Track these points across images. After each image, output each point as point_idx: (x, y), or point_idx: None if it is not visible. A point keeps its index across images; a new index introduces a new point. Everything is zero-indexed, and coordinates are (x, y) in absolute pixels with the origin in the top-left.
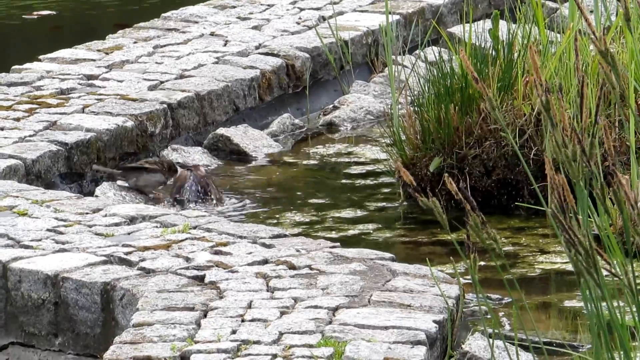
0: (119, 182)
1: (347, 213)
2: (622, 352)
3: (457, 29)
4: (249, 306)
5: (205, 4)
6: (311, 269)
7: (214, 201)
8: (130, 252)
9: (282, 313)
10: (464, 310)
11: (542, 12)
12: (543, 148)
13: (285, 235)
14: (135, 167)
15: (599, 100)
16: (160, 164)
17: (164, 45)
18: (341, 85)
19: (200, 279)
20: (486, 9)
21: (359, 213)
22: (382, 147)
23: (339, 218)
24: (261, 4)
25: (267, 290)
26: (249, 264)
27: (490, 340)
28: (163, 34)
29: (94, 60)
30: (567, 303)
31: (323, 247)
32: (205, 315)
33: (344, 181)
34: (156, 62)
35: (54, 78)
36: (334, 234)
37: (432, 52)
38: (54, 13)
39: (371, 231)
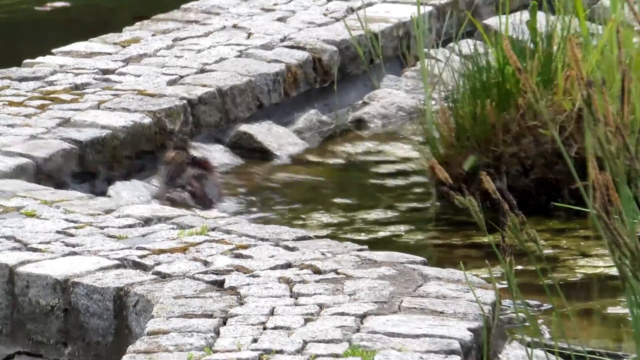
0: (135, 181)
1: (377, 214)
2: None
3: (493, 21)
4: (272, 313)
5: None
6: (337, 273)
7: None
8: (144, 256)
9: (307, 320)
10: (500, 317)
11: (582, 3)
12: (584, 146)
13: (309, 238)
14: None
15: None
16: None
17: (184, 38)
18: (371, 80)
19: (219, 284)
20: (524, 0)
21: (389, 214)
22: (414, 145)
23: (367, 219)
24: None
25: (291, 296)
26: (271, 268)
27: (529, 349)
28: (183, 26)
29: (109, 54)
30: (611, 310)
31: (350, 250)
32: (224, 323)
33: (373, 181)
34: (175, 56)
35: (67, 72)
36: (362, 236)
37: (466, 45)
38: (68, 5)
39: (402, 233)
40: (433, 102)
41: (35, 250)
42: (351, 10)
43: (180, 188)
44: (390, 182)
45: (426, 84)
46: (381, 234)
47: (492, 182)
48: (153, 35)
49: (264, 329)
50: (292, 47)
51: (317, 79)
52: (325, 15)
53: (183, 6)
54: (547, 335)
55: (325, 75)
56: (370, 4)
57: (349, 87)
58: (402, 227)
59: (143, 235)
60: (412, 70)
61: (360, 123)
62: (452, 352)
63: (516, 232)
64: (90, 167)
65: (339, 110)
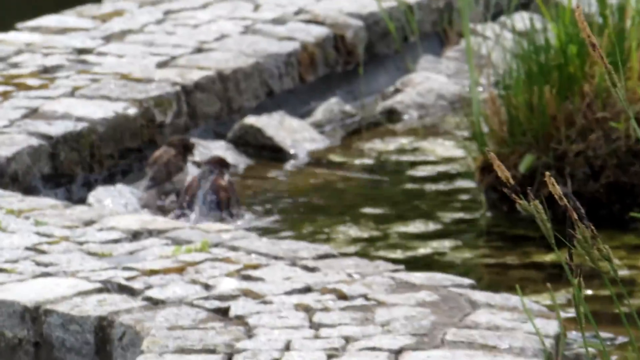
0: (120, 186)
1: (414, 227)
2: None
3: None
4: (287, 348)
5: None
6: (367, 299)
7: (228, 218)
8: (132, 277)
9: (330, 356)
10: (565, 353)
11: None
12: None
13: (333, 256)
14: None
15: None
16: (179, 149)
17: (178, 11)
18: (405, 61)
19: (223, 312)
20: None
21: (430, 227)
22: (458, 141)
23: (403, 233)
24: None
25: (310, 327)
26: (286, 293)
27: None
28: None
29: (86, 29)
30: None
31: (383, 271)
32: None
33: (409, 186)
34: (167, 32)
35: (35, 52)
36: (397, 254)
37: (521, 20)
38: None
39: (445, 250)
40: (480, 89)
41: None
42: None
43: (175, 196)
44: (430, 187)
45: (472, 67)
46: (420, 251)
47: (553, 187)
48: (140, 7)
49: None
50: (308, 21)
51: (339, 60)
52: None
53: None
54: None
55: (349, 56)
56: None
57: (378, 71)
58: (446, 243)
59: (131, 253)
60: (455, 50)
61: (392, 114)
62: None
63: (588, 247)
64: (64, 168)
65: (366, 99)
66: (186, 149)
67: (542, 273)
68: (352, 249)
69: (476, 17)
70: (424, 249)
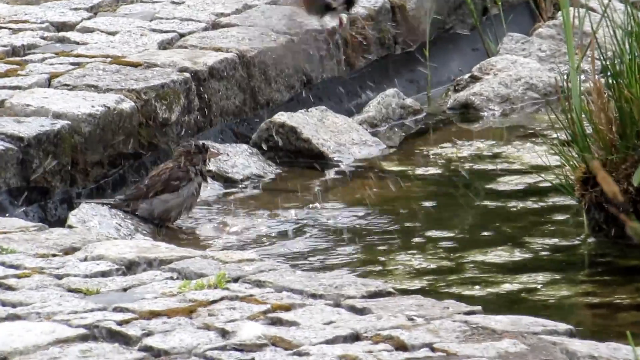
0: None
1: (497, 255)
2: None
3: None
4: None
5: None
6: (433, 349)
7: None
8: (127, 321)
9: None
10: None
11: None
12: None
13: (389, 293)
14: (147, 190)
15: None
16: (181, 159)
17: None
18: (483, 40)
19: None
20: None
21: (516, 256)
22: (553, 145)
23: (482, 264)
24: None
25: None
26: (327, 342)
27: None
28: None
29: None
30: None
31: (453, 313)
32: None
33: (489, 203)
34: (172, 2)
35: (1, 28)
36: (474, 291)
37: None
38: None
39: (536, 286)
40: (583, 78)
41: None
42: None
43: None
44: (516, 204)
45: (571, 48)
46: (504, 287)
47: None
48: None
49: None
50: None
51: (398, 39)
52: None
53: None
54: None
55: (410, 33)
56: None
57: (449, 53)
58: (537, 276)
59: (124, 289)
60: (549, 25)
61: (467, 110)
62: None
63: None
64: (38, 179)
65: (434, 90)
66: (192, 158)
67: None
68: (414, 284)
69: None
70: (508, 285)
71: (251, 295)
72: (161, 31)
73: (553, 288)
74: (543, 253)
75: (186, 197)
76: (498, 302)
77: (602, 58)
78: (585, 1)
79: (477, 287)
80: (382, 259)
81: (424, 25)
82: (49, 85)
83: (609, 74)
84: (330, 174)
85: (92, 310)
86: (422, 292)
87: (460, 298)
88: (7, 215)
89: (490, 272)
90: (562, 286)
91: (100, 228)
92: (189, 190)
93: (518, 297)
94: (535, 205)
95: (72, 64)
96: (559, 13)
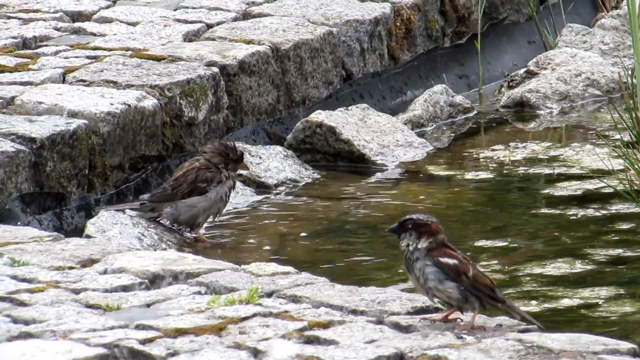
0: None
1: (555, 268)
2: None
3: None
4: None
5: None
6: None
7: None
8: (150, 340)
9: None
10: None
11: None
12: None
13: (436, 309)
14: (172, 190)
15: None
16: (216, 158)
17: None
18: (540, 32)
19: None
20: None
21: (576, 268)
22: (616, 147)
23: (539, 276)
24: None
25: None
26: None
27: None
28: None
29: None
30: None
31: (507, 330)
32: None
33: (546, 210)
34: None
35: (9, 18)
36: (530, 306)
37: None
38: None
39: (598, 301)
40: None
41: None
42: None
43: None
44: (576, 212)
45: (637, 40)
46: (563, 302)
47: None
48: None
49: None
50: None
51: (446, 30)
52: None
53: None
54: None
55: (460, 23)
56: None
57: (502, 45)
58: (600, 291)
59: (148, 305)
60: (614, 15)
61: (521, 108)
62: None
63: None
64: (52, 184)
65: (485, 86)
66: (227, 162)
67: None
68: None
69: None
70: (567, 300)
71: (286, 312)
72: (187, 21)
73: (616, 303)
74: (606, 265)
75: (214, 200)
76: (555, 319)
77: None
78: None
79: (534, 301)
80: None
81: (475, 15)
82: (64, 81)
83: None
84: (373, 179)
85: (112, 328)
86: None
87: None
88: (19, 223)
89: (547, 285)
90: (625, 301)
91: (121, 238)
92: (217, 194)
93: (577, 313)
94: (597, 213)
95: (88, 57)
96: (624, 2)
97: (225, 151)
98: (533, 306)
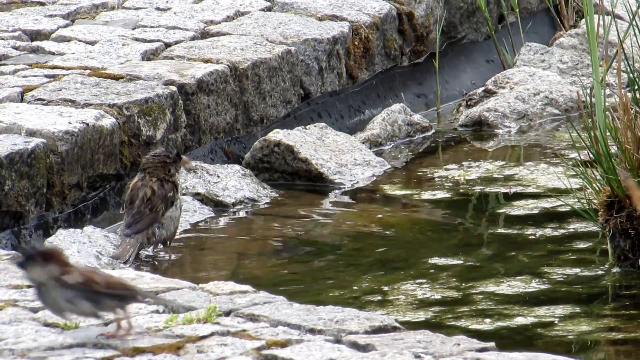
0: (91, 228)
1: (510, 286)
2: None
3: None
4: None
5: None
6: None
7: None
8: (109, 359)
9: None
10: None
11: None
12: None
13: (394, 328)
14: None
15: None
16: (159, 171)
17: None
18: (499, 51)
19: None
20: None
21: (532, 286)
22: (572, 166)
23: (494, 295)
24: None
25: None
26: None
27: None
28: None
29: (42, 3)
30: None
31: (465, 350)
32: None
33: (502, 231)
34: (158, 8)
35: None
36: (485, 325)
37: None
38: None
39: (554, 320)
40: (608, 92)
41: None
42: None
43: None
44: (532, 231)
45: (595, 60)
46: (518, 320)
47: None
48: None
49: None
50: None
51: (405, 49)
52: None
53: None
54: None
55: (419, 42)
56: None
57: (460, 64)
58: (556, 309)
59: (106, 324)
60: (572, 34)
61: (480, 127)
62: None
63: None
64: (10, 202)
65: (444, 105)
66: (169, 168)
67: None
68: (418, 315)
69: None
70: (523, 318)
71: (244, 330)
72: (145, 40)
73: (572, 322)
74: (562, 284)
75: (180, 207)
76: (510, 337)
77: (629, 70)
78: (611, 8)
79: (487, 320)
80: (385, 288)
81: (433, 34)
82: (22, 100)
83: (636, 87)
84: (331, 198)
85: (70, 347)
86: (426, 324)
87: (468, 332)
88: None
89: (502, 303)
90: (582, 320)
91: (79, 257)
92: (180, 201)
93: (533, 332)
94: (555, 232)
95: (47, 76)
96: (582, 21)
97: (161, 159)
98: (486, 324)
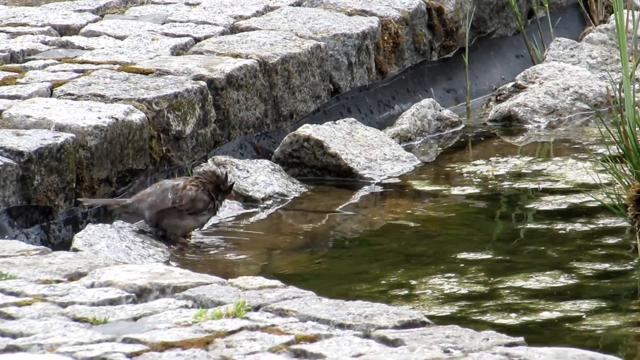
0: (120, 223)
1: (538, 281)
2: None
3: None
4: None
5: None
6: None
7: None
8: (137, 353)
9: None
10: None
11: None
12: None
13: (423, 323)
14: (172, 204)
15: None
16: (203, 179)
17: None
18: (528, 46)
19: None
20: None
21: (560, 281)
22: (602, 162)
23: (521, 290)
24: None
25: None
26: None
27: None
28: None
29: None
30: None
31: (493, 345)
32: None
33: (531, 226)
34: (187, 3)
35: None
36: (511, 320)
37: None
38: None
39: (582, 314)
40: (637, 87)
41: None
42: None
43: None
44: (560, 226)
45: (625, 55)
46: (544, 315)
47: None
48: None
49: None
50: None
51: (434, 44)
52: None
53: None
54: None
55: (448, 38)
56: None
57: (490, 59)
58: (583, 304)
59: (135, 319)
60: (601, 29)
61: (509, 122)
62: None
63: None
64: (39, 197)
65: (473, 100)
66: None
67: None
68: (447, 310)
69: None
70: (549, 313)
71: (273, 325)
72: (174, 35)
73: (600, 317)
74: (590, 279)
75: (200, 223)
76: (539, 333)
77: None
78: None
79: (513, 314)
80: (413, 282)
81: (463, 29)
82: (51, 95)
83: None
84: (360, 193)
85: (99, 342)
86: (451, 319)
87: (494, 327)
88: (6, 237)
89: (530, 298)
90: (610, 315)
91: (108, 251)
92: (204, 219)
93: (561, 327)
94: (584, 227)
95: (76, 71)
96: (612, 16)
97: (217, 181)
98: (512, 319)
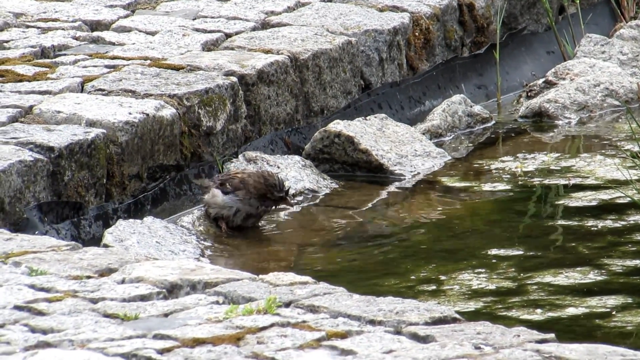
0: (151, 219)
1: (567, 277)
2: None
3: None
4: None
5: None
6: None
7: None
8: (168, 350)
9: None
10: None
11: None
12: None
13: (454, 320)
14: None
15: None
16: (262, 187)
17: None
18: (559, 42)
19: None
20: None
21: (589, 277)
22: (632, 158)
23: (550, 286)
24: None
25: None
26: None
27: None
28: None
29: None
30: None
31: (524, 341)
32: None
33: (561, 222)
34: None
35: (28, 27)
36: (539, 316)
37: None
38: None
39: (611, 311)
40: None
41: None
42: None
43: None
44: (590, 222)
45: None
46: (574, 311)
47: None
48: None
49: None
50: None
51: (465, 40)
52: None
53: None
54: None
55: (479, 33)
56: None
57: (520, 55)
58: (612, 300)
59: (166, 315)
60: (632, 26)
61: (540, 118)
62: None
63: None
64: (70, 192)
65: (504, 96)
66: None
67: None
68: (475, 306)
69: None
70: (579, 309)
71: (304, 322)
72: (205, 31)
73: (631, 313)
74: (620, 275)
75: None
76: (569, 329)
77: None
78: None
79: (540, 311)
80: (442, 277)
81: (494, 25)
82: (82, 90)
83: None
84: (391, 189)
85: (130, 338)
86: (486, 316)
87: (528, 323)
88: (37, 233)
89: (557, 294)
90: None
91: (139, 247)
92: (242, 213)
93: (592, 323)
94: (615, 224)
95: (107, 66)
96: None
97: (269, 189)
98: (539, 315)
